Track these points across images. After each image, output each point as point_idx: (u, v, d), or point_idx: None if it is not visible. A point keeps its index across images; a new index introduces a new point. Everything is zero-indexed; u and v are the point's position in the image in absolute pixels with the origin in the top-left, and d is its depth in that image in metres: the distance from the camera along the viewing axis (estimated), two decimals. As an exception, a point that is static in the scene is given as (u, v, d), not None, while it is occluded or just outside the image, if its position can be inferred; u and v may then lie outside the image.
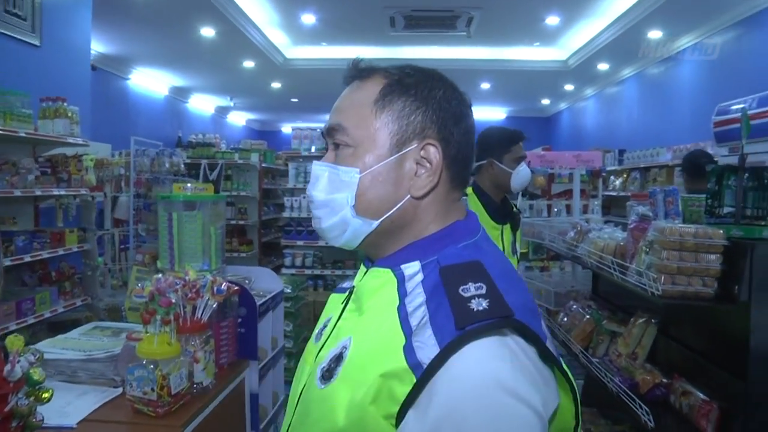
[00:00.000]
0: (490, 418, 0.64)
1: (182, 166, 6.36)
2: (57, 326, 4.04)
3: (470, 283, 0.74)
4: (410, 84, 0.85)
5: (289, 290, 4.21)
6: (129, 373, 1.57)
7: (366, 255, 0.93)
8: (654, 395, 1.93)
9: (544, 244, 3.48)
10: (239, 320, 2.14)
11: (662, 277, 1.67)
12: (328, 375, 0.78)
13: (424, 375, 0.67)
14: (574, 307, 2.85)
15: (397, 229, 0.85)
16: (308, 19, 8.06)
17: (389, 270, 0.83)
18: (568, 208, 5.43)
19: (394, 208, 0.84)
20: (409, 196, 0.84)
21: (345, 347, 0.79)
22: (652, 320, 2.16)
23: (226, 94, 13.30)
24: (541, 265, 4.91)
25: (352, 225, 0.85)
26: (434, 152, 0.83)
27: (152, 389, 1.55)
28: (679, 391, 1.86)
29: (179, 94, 12.57)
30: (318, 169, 0.88)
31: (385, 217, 0.84)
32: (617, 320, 2.45)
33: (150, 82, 11.00)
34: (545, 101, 14.19)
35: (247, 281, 2.43)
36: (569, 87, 12.00)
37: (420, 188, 0.83)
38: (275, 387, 2.60)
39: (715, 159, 4.24)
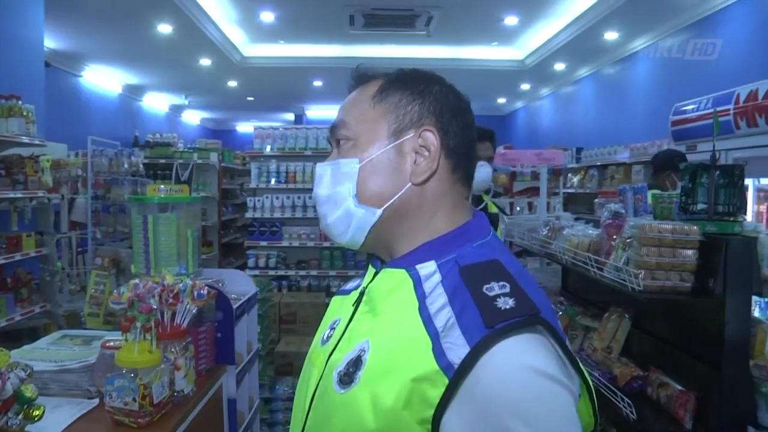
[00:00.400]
0: (535, 404, 0.65)
1: (141, 166, 6.19)
2: (12, 335, 3.88)
3: (493, 282, 0.74)
4: (407, 80, 0.88)
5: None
6: (108, 383, 1.51)
7: (375, 256, 0.92)
8: (631, 387, 1.98)
9: (514, 242, 3.52)
10: (216, 324, 2.09)
11: (643, 273, 1.71)
12: (347, 380, 0.76)
13: (456, 375, 0.66)
14: (546, 303, 2.89)
15: (402, 220, 0.85)
16: (267, 16, 7.96)
17: (404, 270, 0.82)
18: (530, 206, 5.51)
19: (396, 196, 0.84)
20: (410, 183, 0.84)
21: (363, 350, 0.77)
22: (626, 315, 2.21)
23: (182, 92, 13.02)
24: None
25: (356, 215, 0.85)
26: (431, 138, 0.84)
27: (134, 399, 1.49)
28: (656, 383, 1.91)
29: (133, 92, 12.21)
30: (321, 168, 0.90)
31: (387, 204, 0.84)
32: (590, 315, 2.50)
33: (103, 79, 10.64)
34: (501, 100, 14.38)
35: (219, 284, 2.37)
36: (526, 86, 12.20)
37: (419, 174, 0.84)
38: (251, 391, 2.55)
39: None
